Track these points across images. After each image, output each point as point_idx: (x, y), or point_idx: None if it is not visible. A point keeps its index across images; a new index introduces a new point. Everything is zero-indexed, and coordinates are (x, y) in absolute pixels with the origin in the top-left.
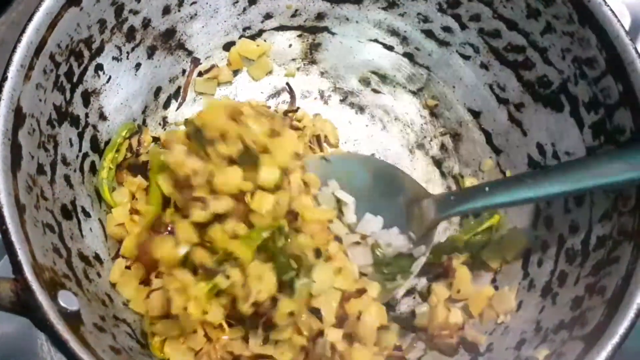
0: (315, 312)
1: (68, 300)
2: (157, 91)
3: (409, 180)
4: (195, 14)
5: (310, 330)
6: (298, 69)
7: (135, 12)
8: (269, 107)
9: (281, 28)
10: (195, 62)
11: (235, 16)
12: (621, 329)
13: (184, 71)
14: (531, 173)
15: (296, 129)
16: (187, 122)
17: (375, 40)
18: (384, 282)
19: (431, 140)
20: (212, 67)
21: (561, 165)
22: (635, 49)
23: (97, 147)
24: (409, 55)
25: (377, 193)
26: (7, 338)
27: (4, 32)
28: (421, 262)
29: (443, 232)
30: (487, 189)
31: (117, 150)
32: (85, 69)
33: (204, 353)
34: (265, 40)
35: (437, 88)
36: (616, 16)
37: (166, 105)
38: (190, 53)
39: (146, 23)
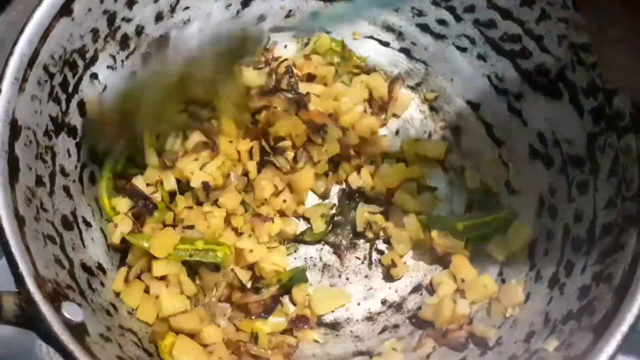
0: None
1: (72, 311)
2: None
3: None
4: (189, 19)
5: None
6: None
7: (127, 20)
8: None
9: (276, 29)
10: None
11: (229, 19)
12: (630, 316)
13: None
14: None
15: None
16: None
17: (371, 37)
18: None
19: (431, 134)
20: None
21: None
22: None
23: (96, 157)
24: (405, 51)
25: None
26: (5, 339)
27: (3, 31)
28: None
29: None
30: None
31: (116, 159)
32: (80, 78)
33: (215, 350)
34: None
35: (435, 82)
36: None
37: None
38: None
39: (139, 30)
